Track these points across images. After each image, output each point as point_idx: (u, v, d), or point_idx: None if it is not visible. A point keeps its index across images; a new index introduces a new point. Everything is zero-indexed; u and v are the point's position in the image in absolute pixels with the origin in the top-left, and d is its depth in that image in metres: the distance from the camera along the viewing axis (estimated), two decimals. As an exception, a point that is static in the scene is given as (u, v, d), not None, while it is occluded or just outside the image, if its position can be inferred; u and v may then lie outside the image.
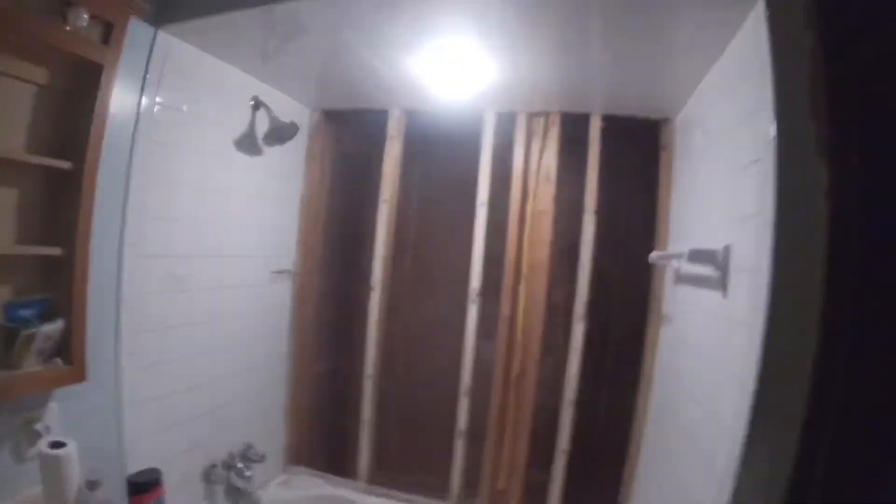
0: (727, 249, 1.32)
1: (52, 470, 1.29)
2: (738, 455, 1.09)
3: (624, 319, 2.53)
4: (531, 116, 2.37)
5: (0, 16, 1.23)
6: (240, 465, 2.19)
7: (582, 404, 2.29)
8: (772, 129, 1.10)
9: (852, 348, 0.98)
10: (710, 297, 1.45)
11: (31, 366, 1.36)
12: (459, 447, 2.42)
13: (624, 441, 2.24)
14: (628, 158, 2.47)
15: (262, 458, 2.29)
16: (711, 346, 1.44)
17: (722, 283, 1.34)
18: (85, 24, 1.36)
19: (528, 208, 2.37)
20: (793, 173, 1.09)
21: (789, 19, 1.12)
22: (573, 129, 2.34)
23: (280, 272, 2.52)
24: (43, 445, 1.30)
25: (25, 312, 1.35)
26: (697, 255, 1.42)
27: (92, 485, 1.36)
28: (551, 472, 2.30)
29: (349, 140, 2.89)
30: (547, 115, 2.35)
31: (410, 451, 3.07)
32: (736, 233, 1.30)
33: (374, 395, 2.61)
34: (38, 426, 1.38)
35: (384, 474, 2.87)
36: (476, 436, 2.47)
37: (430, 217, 3.09)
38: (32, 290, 1.42)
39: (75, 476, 1.33)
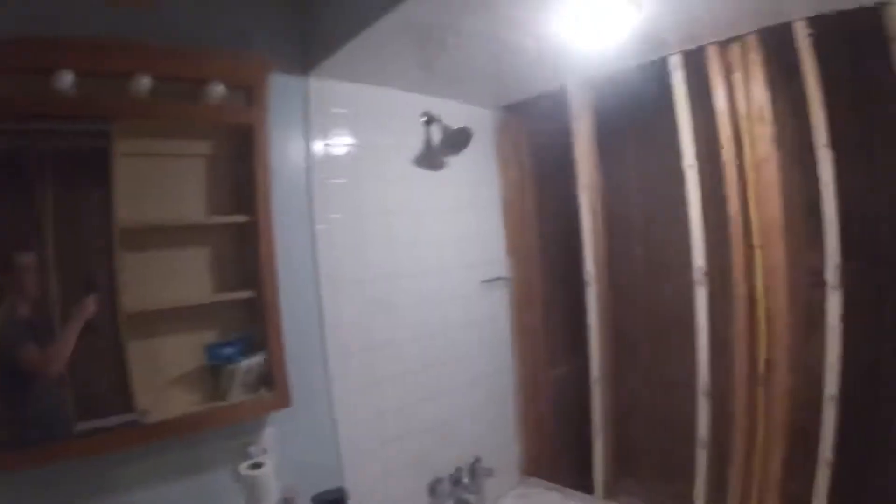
0: None
1: (250, 488, 1.47)
2: None
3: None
4: (723, 46, 1.95)
5: (150, 109, 1.42)
6: (466, 479, 2.21)
7: (849, 399, 1.77)
8: None
9: None
10: None
11: (238, 396, 1.52)
12: (702, 457, 2.06)
13: None
14: (858, 68, 1.92)
15: (490, 473, 2.28)
16: None
17: None
18: (224, 94, 1.47)
19: (746, 159, 1.93)
20: None
21: None
22: (779, 49, 1.87)
23: (492, 280, 2.48)
24: (244, 466, 1.42)
25: (227, 350, 1.56)
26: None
27: (287, 501, 1.43)
28: (813, 487, 1.79)
29: (544, 128, 2.75)
30: (742, 38, 1.90)
31: (654, 457, 2.85)
32: None
33: (605, 400, 2.40)
34: (253, 449, 1.53)
35: (627, 483, 2.71)
36: (721, 441, 2.10)
37: (655, 192, 2.78)
38: (234, 330, 1.63)
39: (272, 493, 1.43)
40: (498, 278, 2.49)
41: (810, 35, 1.73)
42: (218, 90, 1.52)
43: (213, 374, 1.55)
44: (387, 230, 2.04)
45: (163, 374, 1.48)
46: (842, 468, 1.75)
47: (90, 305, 1.28)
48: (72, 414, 1.29)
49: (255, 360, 1.59)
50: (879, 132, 1.95)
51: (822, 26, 1.73)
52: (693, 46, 1.97)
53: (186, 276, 1.56)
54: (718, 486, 2.08)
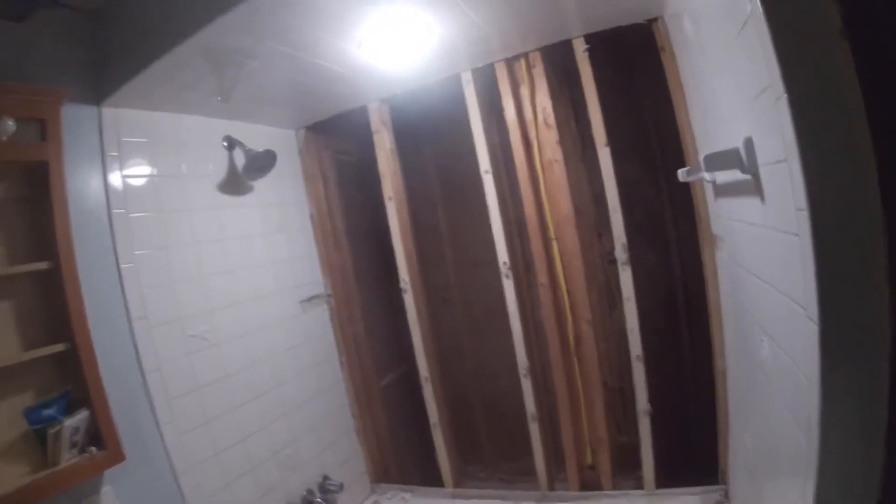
0: (749, 143, 1.00)
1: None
2: (817, 402, 0.79)
3: (677, 253, 2.18)
4: (510, 62, 2.20)
5: None
6: (319, 499, 2.23)
7: (652, 356, 2.08)
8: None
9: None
10: (749, 205, 1.14)
11: (70, 459, 1.42)
12: (535, 431, 2.30)
13: (708, 387, 2.06)
14: (631, 75, 2.34)
15: (340, 487, 2.32)
16: (765, 264, 1.18)
17: (756, 186, 1.02)
18: (14, 130, 1.37)
19: (536, 160, 2.21)
20: (794, 20, 0.77)
21: None
22: (560, 61, 2.19)
23: (310, 299, 2.51)
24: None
25: (48, 412, 1.44)
26: (716, 160, 1.10)
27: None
28: (639, 437, 2.10)
29: (348, 146, 2.87)
30: (526, 55, 2.17)
31: (494, 442, 3.03)
32: (753, 119, 0.97)
33: (438, 397, 2.54)
34: None
35: (474, 470, 2.89)
36: (551, 414, 2.40)
37: (458, 197, 2.97)
38: (51, 388, 1.48)
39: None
40: (316, 296, 2.54)
41: (587, 49, 2.00)
42: (8, 126, 1.37)
43: (38, 439, 1.39)
44: (198, 262, 1.97)
45: None
46: (656, 414, 2.09)
47: None
48: None
49: (79, 418, 1.45)
50: (651, 128, 2.34)
51: (598, 40, 2.00)
52: (482, 63, 2.19)
53: None
54: (556, 454, 2.37)
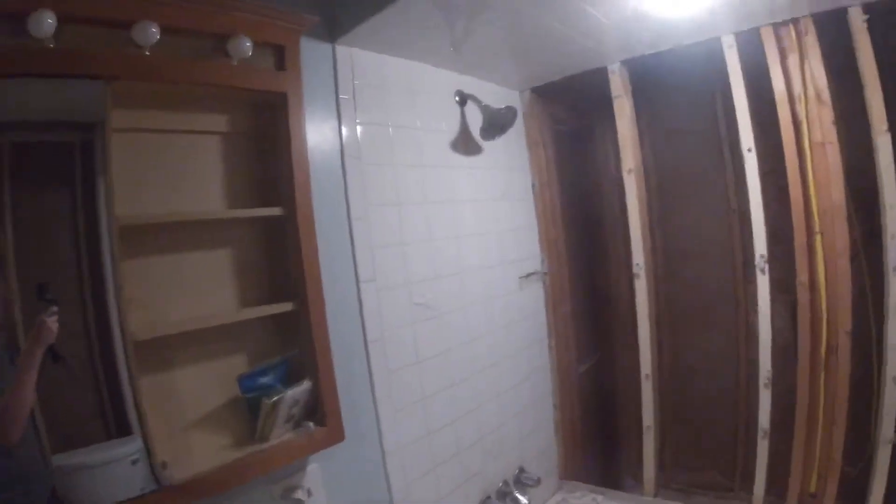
0: None
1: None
2: None
3: None
4: (778, 27, 1.94)
5: (157, 68, 0.98)
6: (516, 492, 2.07)
7: None
8: None
9: None
10: None
11: (282, 434, 1.16)
12: (764, 448, 2.02)
13: None
14: None
15: (537, 482, 2.17)
16: None
17: None
18: (250, 53, 1.15)
19: (805, 142, 1.93)
20: None
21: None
22: (835, 32, 1.86)
23: (528, 275, 2.36)
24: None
25: (265, 380, 1.24)
26: None
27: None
28: (872, 467, 1.81)
29: (567, 115, 2.67)
30: (796, 21, 1.91)
31: (695, 449, 2.78)
32: None
33: (656, 398, 2.31)
34: (299, 493, 1.18)
35: (668, 477, 2.67)
36: (779, 432, 2.09)
37: (673, 178, 2.72)
38: (271, 353, 1.33)
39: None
40: (534, 272, 2.39)
41: (866, 20, 1.74)
42: (245, 47, 1.17)
43: (250, 409, 1.20)
44: (427, 223, 1.84)
45: (185, 415, 1.15)
46: None
47: (48, 327, 0.90)
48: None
49: (301, 389, 1.27)
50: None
51: (878, 8, 1.72)
52: (747, 27, 1.94)
53: (205, 288, 1.25)
54: (774, 474, 2.07)
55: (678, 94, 2.53)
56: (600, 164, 2.87)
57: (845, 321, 1.91)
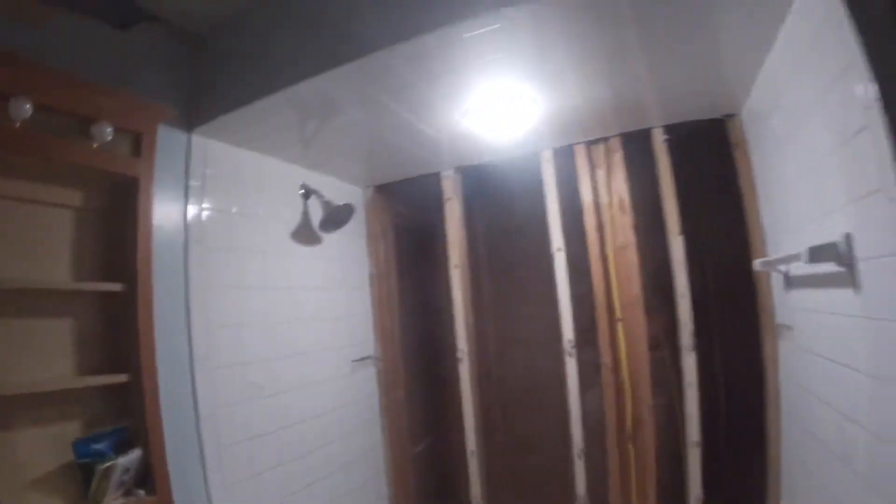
0: (849, 238, 1.17)
1: None
2: None
3: (733, 339, 2.56)
4: (590, 145, 2.46)
5: (23, 141, 1.28)
6: None
7: (707, 443, 2.22)
8: (870, 89, 0.98)
9: None
10: (837, 296, 1.33)
11: (113, 501, 1.38)
12: None
13: (762, 474, 2.15)
14: (702, 166, 2.53)
15: None
16: (849, 351, 1.29)
17: (850, 278, 1.19)
18: (110, 138, 1.46)
19: (609, 243, 2.42)
20: None
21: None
22: (637, 149, 2.41)
23: (362, 359, 2.66)
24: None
25: (98, 446, 1.40)
26: (817, 253, 1.27)
27: None
28: None
29: (407, 211, 3.10)
30: (606, 139, 2.43)
31: None
32: (855, 217, 1.16)
33: (483, 473, 2.65)
34: None
35: None
36: (598, 499, 2.47)
37: (505, 271, 3.21)
38: (104, 421, 1.49)
39: None
40: (367, 357, 2.69)
41: (665, 139, 2.27)
42: (106, 132, 1.43)
43: (83, 474, 1.36)
44: (266, 308, 2.09)
45: (20, 476, 1.28)
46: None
47: None
48: None
49: (132, 457, 1.45)
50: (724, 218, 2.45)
51: (676, 132, 2.26)
52: (563, 144, 2.45)
53: (43, 354, 1.38)
54: None
55: (510, 196, 2.94)
56: (438, 257, 3.09)
57: (647, 397, 2.28)
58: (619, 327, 2.37)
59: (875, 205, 1.08)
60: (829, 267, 1.33)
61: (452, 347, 2.66)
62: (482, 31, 1.43)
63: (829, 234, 1.30)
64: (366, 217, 2.81)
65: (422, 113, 1.94)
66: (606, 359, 2.37)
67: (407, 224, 3.07)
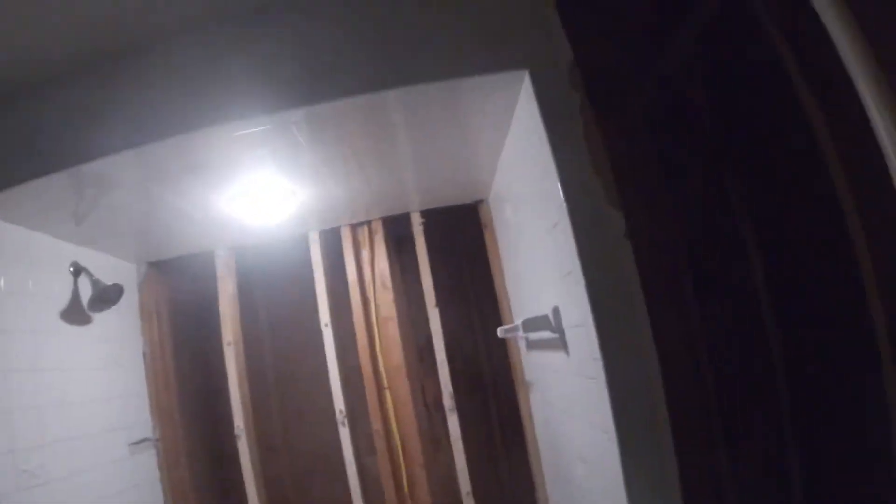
0: (557, 311, 1.43)
1: None
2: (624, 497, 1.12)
3: (503, 395, 2.75)
4: (355, 227, 2.67)
5: None
6: None
7: (485, 492, 2.50)
8: (559, 192, 1.22)
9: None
10: (557, 358, 1.56)
11: None
12: None
13: None
14: (461, 243, 2.80)
15: None
16: (572, 403, 1.51)
17: (563, 343, 1.43)
18: None
19: (374, 317, 2.60)
20: (590, 226, 1.22)
21: (554, 84, 1.29)
22: (400, 229, 2.65)
23: (139, 442, 2.56)
24: None
25: None
26: (532, 323, 1.51)
27: None
28: None
29: (183, 287, 3.05)
30: (369, 222, 2.66)
31: None
32: (561, 293, 1.41)
33: None
34: None
35: None
36: None
37: (286, 346, 3.24)
38: None
39: None
40: (145, 439, 2.59)
41: (422, 223, 2.52)
42: None
43: None
44: (36, 391, 1.95)
45: None
46: None
47: None
48: None
49: None
50: (470, 290, 2.83)
51: (434, 216, 2.55)
52: (329, 226, 2.62)
53: None
54: None
55: (286, 275, 2.98)
56: (216, 335, 3.06)
57: (419, 457, 2.48)
58: (387, 395, 2.54)
59: (570, 284, 1.34)
60: (547, 334, 1.58)
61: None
62: (252, 130, 1.56)
63: (545, 306, 1.56)
64: (139, 294, 2.74)
65: (188, 197, 2.00)
66: (377, 425, 2.51)
67: (184, 301, 3.03)
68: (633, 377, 1.20)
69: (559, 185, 1.30)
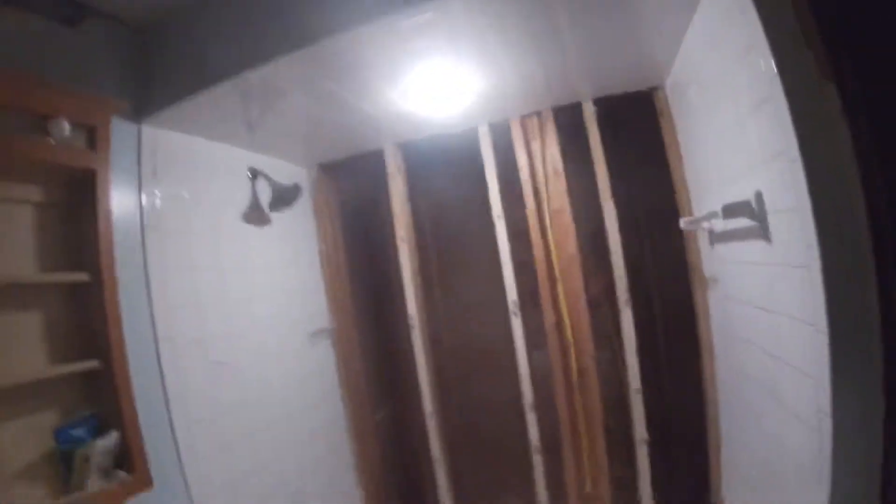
0: (759, 196, 1.34)
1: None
2: (828, 400, 1.07)
3: (668, 294, 2.70)
4: (524, 119, 2.61)
5: None
6: None
7: (649, 389, 2.44)
8: (772, 64, 1.11)
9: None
10: (754, 248, 1.48)
11: (95, 483, 1.40)
12: (539, 463, 2.63)
13: (700, 414, 2.40)
14: (630, 135, 2.67)
15: None
16: (767, 296, 1.48)
17: (763, 232, 1.35)
18: (68, 134, 1.47)
19: (545, 209, 2.58)
20: (805, 102, 1.13)
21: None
22: (569, 120, 2.56)
23: (317, 332, 2.76)
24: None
25: (77, 432, 1.44)
26: (730, 210, 1.43)
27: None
28: (636, 465, 2.47)
29: (351, 188, 3.17)
30: (539, 113, 2.58)
31: (490, 476, 3.24)
32: (764, 177, 1.34)
33: (440, 432, 2.83)
34: None
35: None
36: (552, 446, 2.67)
37: (450, 242, 3.30)
38: (79, 407, 1.54)
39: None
40: (322, 330, 2.79)
41: (594, 112, 2.43)
42: (64, 128, 1.47)
43: (64, 461, 1.40)
44: (221, 287, 2.14)
45: (1, 468, 1.29)
46: (656, 443, 2.43)
47: None
48: None
49: (109, 441, 1.50)
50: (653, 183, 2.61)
51: (606, 105, 2.44)
52: (499, 119, 2.58)
53: (15, 347, 1.41)
54: (557, 485, 2.64)
55: (452, 170, 3.01)
56: (387, 231, 3.15)
57: (589, 348, 2.50)
58: (560, 287, 2.55)
59: (779, 166, 1.23)
60: (744, 222, 1.49)
61: (404, 317, 2.80)
62: (417, 19, 1.52)
63: (744, 192, 1.46)
64: (313, 196, 2.89)
65: (362, 93, 2.02)
66: (549, 317, 2.54)
67: (353, 201, 3.15)
68: (848, 267, 1.10)
69: (772, 59, 1.17)
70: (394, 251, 2.80)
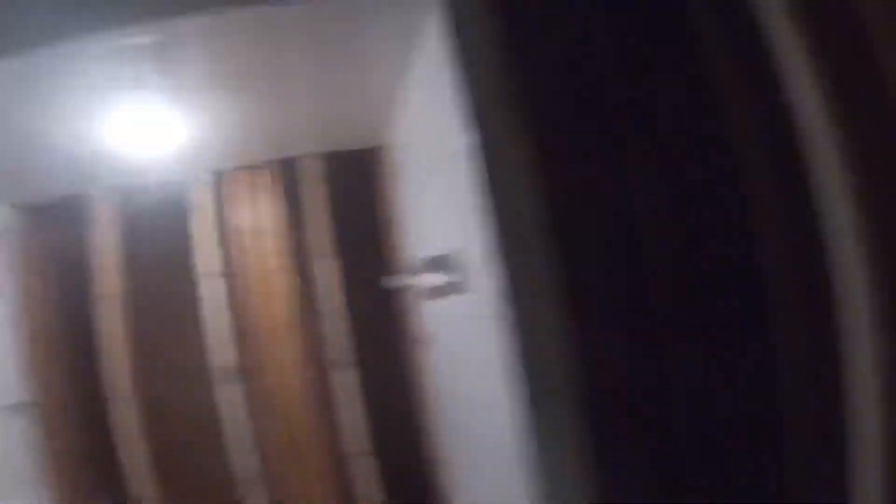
0: (461, 250, 1.34)
1: None
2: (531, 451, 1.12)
3: (392, 352, 2.64)
4: (243, 170, 2.51)
5: None
6: None
7: (380, 452, 2.45)
8: (463, 123, 1.14)
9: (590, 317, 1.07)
10: (459, 302, 1.47)
11: None
12: None
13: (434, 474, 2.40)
14: (359, 193, 2.65)
15: None
16: (476, 348, 1.45)
17: (465, 285, 1.36)
18: None
19: (261, 267, 2.48)
20: (494, 157, 1.13)
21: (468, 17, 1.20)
22: (290, 176, 2.51)
23: (12, 406, 2.38)
24: None
25: None
26: (433, 264, 1.43)
27: None
28: None
29: (59, 235, 2.76)
30: (259, 167, 2.50)
31: None
32: (464, 231, 1.36)
33: None
34: None
35: None
36: None
37: (167, 300, 2.90)
38: None
39: None
40: (20, 403, 2.41)
41: (316, 168, 2.42)
42: None
43: None
44: None
45: None
46: None
47: None
48: None
49: None
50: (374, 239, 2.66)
51: (329, 161, 2.44)
52: (214, 169, 2.47)
53: None
54: None
55: (168, 222, 2.72)
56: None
57: (310, 415, 2.42)
58: (274, 350, 2.44)
59: (474, 220, 1.27)
60: (454, 276, 1.51)
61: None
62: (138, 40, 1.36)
63: (449, 247, 1.48)
64: (15, 241, 2.51)
65: (62, 123, 1.77)
66: (265, 382, 2.42)
67: (66, 250, 2.75)
68: (533, 316, 1.15)
69: (465, 116, 1.22)
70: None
